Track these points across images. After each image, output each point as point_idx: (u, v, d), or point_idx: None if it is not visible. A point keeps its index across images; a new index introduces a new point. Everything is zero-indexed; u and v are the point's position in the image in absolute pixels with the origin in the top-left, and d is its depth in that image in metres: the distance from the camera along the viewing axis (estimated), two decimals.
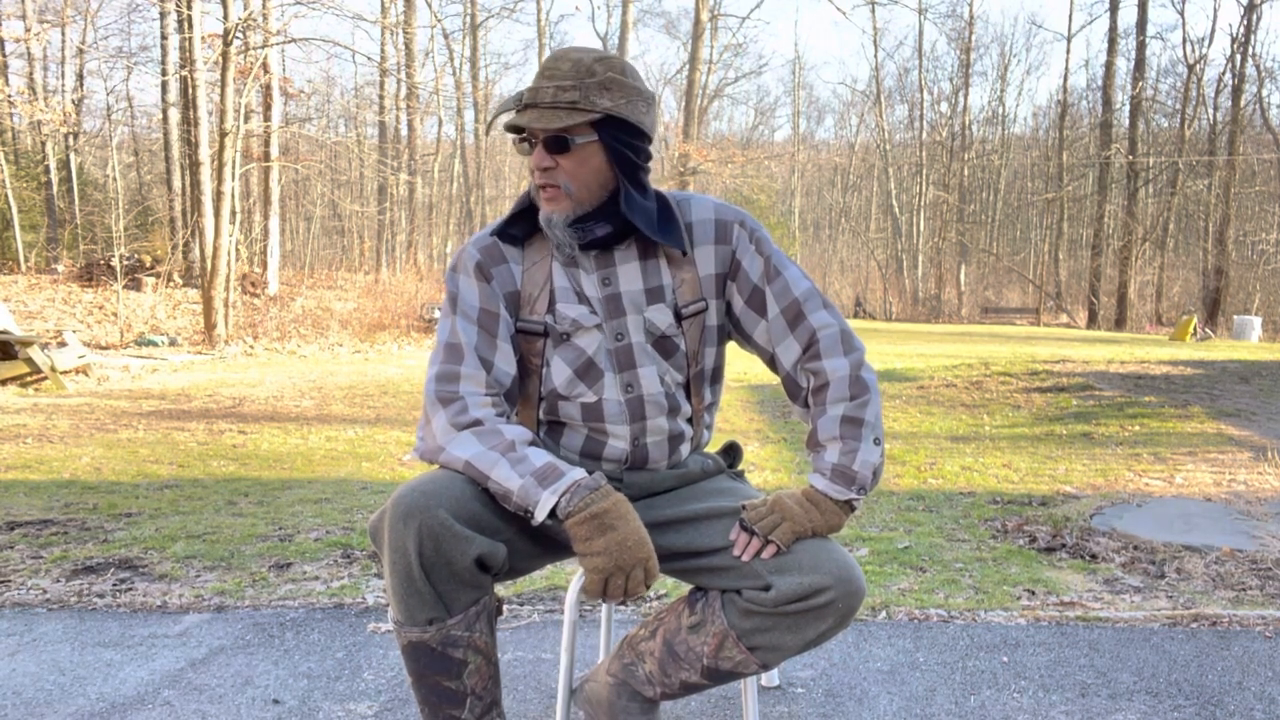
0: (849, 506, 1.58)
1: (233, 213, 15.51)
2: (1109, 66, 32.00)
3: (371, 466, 5.30)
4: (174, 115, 22.94)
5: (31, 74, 27.00)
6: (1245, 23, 28.98)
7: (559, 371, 1.65)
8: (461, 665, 1.52)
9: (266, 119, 18.99)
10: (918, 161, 40.60)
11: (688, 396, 1.72)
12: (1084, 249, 36.24)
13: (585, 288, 1.64)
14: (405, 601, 1.47)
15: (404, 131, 30.63)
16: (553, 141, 1.55)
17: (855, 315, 33.21)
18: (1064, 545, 3.48)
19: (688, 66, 31.65)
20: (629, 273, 1.65)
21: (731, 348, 1.82)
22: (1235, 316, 22.62)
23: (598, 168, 1.58)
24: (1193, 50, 34.52)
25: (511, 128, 1.57)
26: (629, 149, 1.58)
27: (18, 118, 25.20)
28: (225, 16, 15.39)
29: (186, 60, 18.25)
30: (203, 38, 16.45)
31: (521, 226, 1.66)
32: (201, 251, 15.86)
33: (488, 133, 1.69)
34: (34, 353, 8.85)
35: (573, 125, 1.53)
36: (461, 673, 1.53)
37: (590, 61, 1.54)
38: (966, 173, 40.38)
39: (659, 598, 2.82)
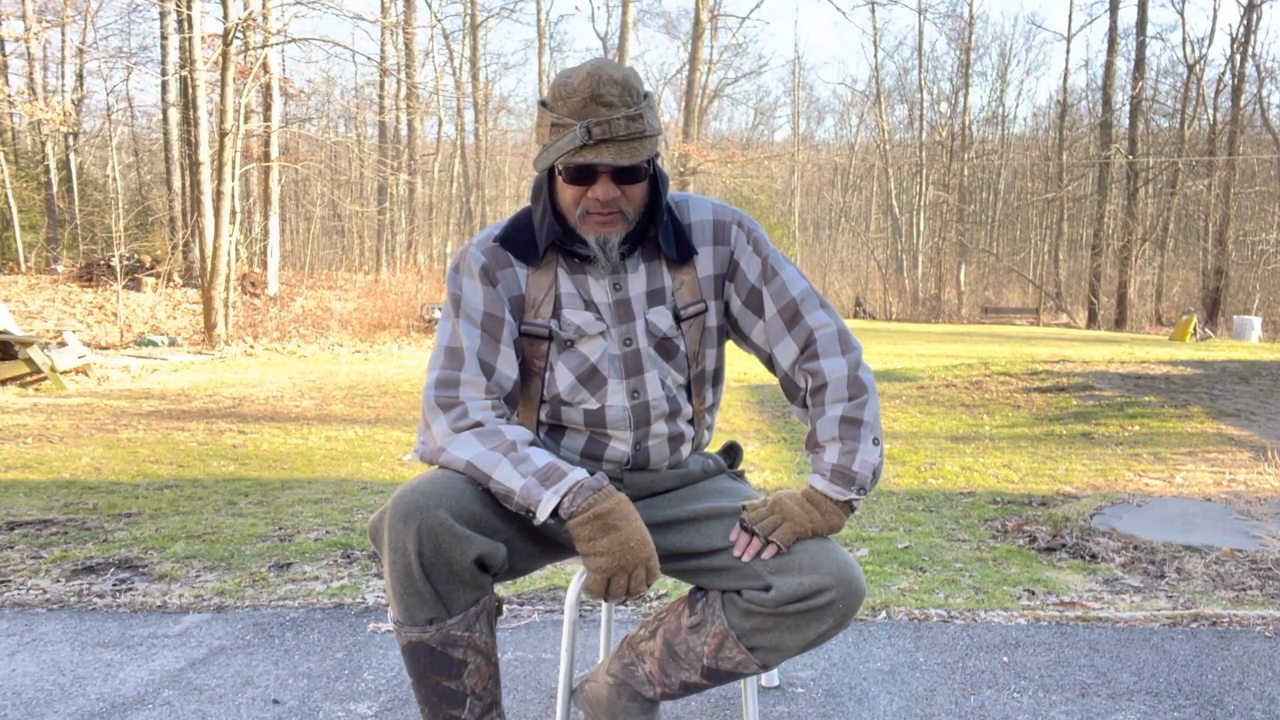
0: (849, 507, 1.58)
1: (233, 213, 15.50)
2: (1109, 66, 32.01)
3: (371, 466, 5.30)
4: (174, 115, 22.93)
5: (31, 74, 27.01)
6: (1245, 23, 29.01)
7: (562, 377, 1.65)
8: (461, 665, 1.52)
9: (266, 119, 18.99)
10: (918, 161, 40.60)
11: (689, 398, 1.73)
12: (1084, 249, 36.24)
13: (594, 294, 1.63)
14: (405, 601, 1.47)
15: (404, 131, 30.63)
16: (623, 172, 1.52)
17: (855, 315, 33.21)
18: (1064, 545, 3.48)
19: (688, 66, 31.64)
20: (638, 276, 1.65)
21: (731, 348, 1.82)
22: (1235, 316, 22.63)
23: (645, 188, 1.59)
24: (1193, 50, 34.54)
25: (579, 164, 1.49)
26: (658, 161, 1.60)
27: (18, 118, 25.22)
28: (225, 16, 15.39)
29: (186, 60, 18.25)
30: (203, 38, 16.45)
31: (523, 239, 1.64)
32: (201, 251, 15.86)
33: (551, 170, 1.58)
34: (34, 353, 8.85)
35: (647, 158, 1.51)
36: (461, 673, 1.53)
37: (629, 80, 1.50)
38: (966, 173, 40.38)
39: (659, 598, 2.82)
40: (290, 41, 18.55)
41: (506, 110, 41.14)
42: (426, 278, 21.16)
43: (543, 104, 1.55)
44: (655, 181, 1.61)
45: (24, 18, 24.69)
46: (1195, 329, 19.44)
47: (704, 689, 1.68)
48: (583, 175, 1.52)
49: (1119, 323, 29.86)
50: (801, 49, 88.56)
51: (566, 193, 1.56)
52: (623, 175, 1.53)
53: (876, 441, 1.60)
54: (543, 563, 1.70)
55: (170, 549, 3.41)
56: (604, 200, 1.53)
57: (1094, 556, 3.33)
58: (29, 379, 8.85)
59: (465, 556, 1.45)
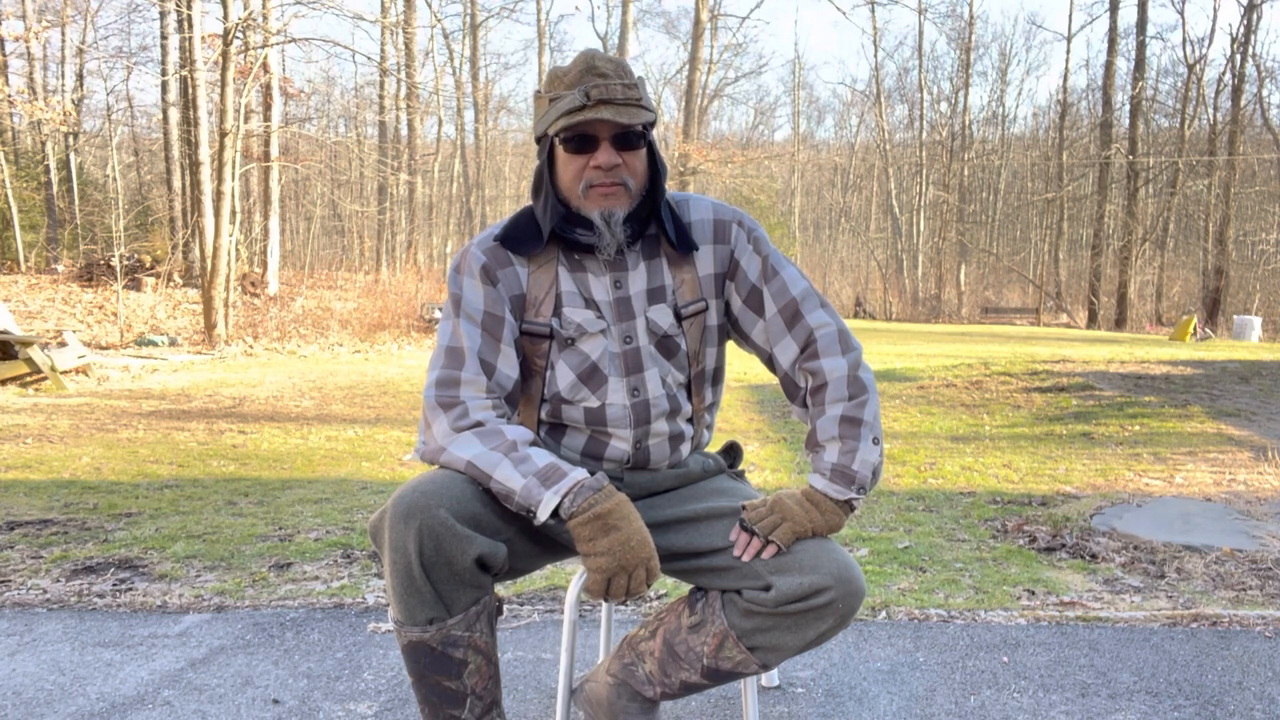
0: (849, 506, 1.58)
1: (233, 213, 15.50)
2: (1109, 66, 32.01)
3: (371, 466, 5.30)
4: (174, 115, 22.94)
5: (31, 74, 27.01)
6: (1245, 23, 29.00)
7: (563, 375, 1.65)
8: (462, 665, 1.52)
9: (266, 119, 18.99)
10: (918, 161, 40.60)
11: (689, 397, 1.73)
12: (1084, 249, 36.24)
13: (595, 291, 1.64)
14: (405, 601, 1.47)
15: (404, 131, 30.63)
16: (622, 138, 1.55)
17: (855, 315, 33.21)
18: (1064, 545, 3.48)
19: (688, 66, 31.65)
20: (638, 274, 1.65)
21: (731, 348, 1.82)
22: (1235, 316, 22.61)
23: (645, 168, 1.61)
24: (1193, 50, 34.60)
25: (577, 126, 1.53)
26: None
27: (18, 118, 25.22)
28: (225, 16, 15.39)
29: (186, 60, 18.25)
30: (203, 38, 16.45)
31: (524, 235, 1.65)
32: (201, 251, 15.86)
33: (548, 134, 1.58)
34: (34, 353, 8.85)
35: (645, 122, 1.55)
36: (462, 673, 1.53)
37: (622, 61, 1.56)
38: (966, 173, 40.38)
39: (659, 598, 2.82)
40: (290, 41, 18.55)
41: (506, 110, 41.17)
42: (426, 278, 21.14)
43: (538, 93, 1.59)
44: (654, 165, 1.63)
45: (24, 18, 24.69)
46: (1195, 329, 19.44)
47: (704, 689, 1.68)
48: (584, 144, 1.54)
49: (1119, 323, 29.85)
50: (801, 49, 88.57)
51: (568, 168, 1.57)
52: (622, 142, 1.55)
53: (876, 441, 1.60)
54: (543, 563, 1.70)
55: (170, 549, 3.41)
56: (606, 167, 1.55)
57: (1094, 556, 3.33)
58: (29, 379, 8.85)
59: (466, 556, 1.45)
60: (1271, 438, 5.92)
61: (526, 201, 1.72)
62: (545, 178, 1.62)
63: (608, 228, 1.58)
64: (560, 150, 1.57)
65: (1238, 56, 29.20)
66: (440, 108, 31.25)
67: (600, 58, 1.54)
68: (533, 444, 1.54)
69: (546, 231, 1.61)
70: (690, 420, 1.74)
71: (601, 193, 1.57)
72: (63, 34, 25.33)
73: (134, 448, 5.83)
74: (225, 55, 15.17)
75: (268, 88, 19.09)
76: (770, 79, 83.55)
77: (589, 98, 1.50)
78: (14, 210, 22.34)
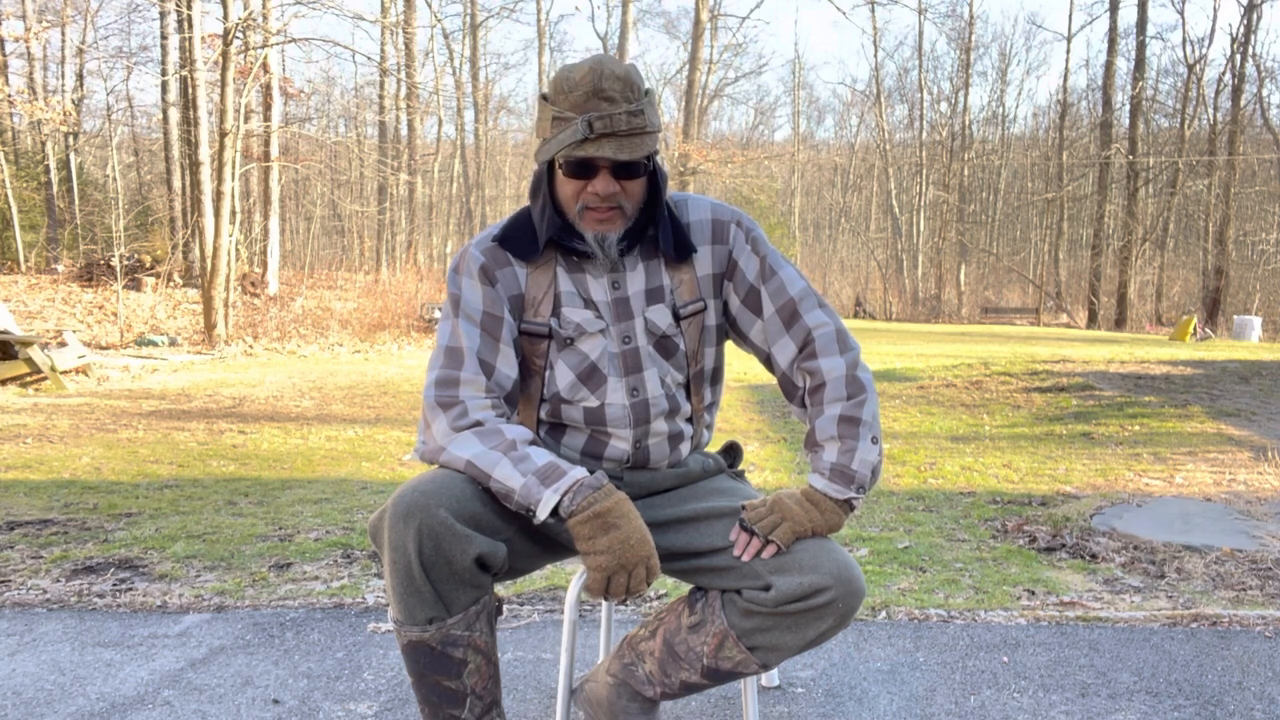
0: (848, 506, 1.58)
1: (233, 213, 15.50)
2: (1109, 66, 32.01)
3: (371, 466, 5.30)
4: (174, 115, 22.94)
5: (31, 74, 27.01)
6: (1245, 23, 29.00)
7: (562, 375, 1.65)
8: (461, 665, 1.52)
9: (266, 119, 18.99)
10: (918, 161, 40.59)
11: (688, 396, 1.73)
12: (1084, 249, 36.24)
13: (593, 292, 1.64)
14: (405, 601, 1.47)
15: (404, 131, 30.63)
16: (623, 168, 1.53)
17: (855, 315, 33.20)
18: (1064, 545, 3.48)
19: (688, 66, 31.66)
20: (636, 275, 1.65)
21: (731, 348, 1.82)
22: (1235, 316, 22.61)
23: (644, 184, 1.60)
24: (1193, 50, 34.60)
25: (580, 158, 1.51)
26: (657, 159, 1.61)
27: (18, 118, 25.22)
28: (225, 16, 15.39)
29: (186, 60, 18.26)
30: (203, 38, 16.46)
31: (522, 238, 1.64)
32: (201, 251, 15.86)
33: (551, 165, 1.59)
34: (34, 353, 8.85)
35: (648, 154, 1.52)
36: (461, 672, 1.53)
37: (630, 76, 1.51)
38: (966, 173, 40.37)
39: (659, 598, 2.83)
40: (290, 41, 18.55)
41: (506, 110, 41.18)
42: (426, 278, 21.13)
43: (543, 98, 1.56)
44: (655, 178, 1.62)
45: (24, 18, 24.69)
46: (1195, 329, 19.44)
47: (704, 689, 1.68)
48: (583, 170, 1.53)
49: (1119, 323, 29.85)
50: (801, 49, 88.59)
51: (566, 187, 1.57)
52: (622, 170, 1.53)
53: (875, 440, 1.60)
54: (543, 562, 1.70)
55: (170, 549, 3.41)
56: (603, 195, 1.53)
57: (1094, 556, 3.33)
58: (29, 379, 8.85)
59: (465, 556, 1.45)
60: (1271, 438, 5.92)
61: (526, 201, 1.72)
62: (544, 186, 1.62)
63: (601, 248, 1.59)
64: (559, 170, 1.56)
65: (1238, 56, 29.21)
66: (440, 108, 31.27)
67: (608, 76, 1.48)
68: (532, 443, 1.54)
69: (543, 240, 1.61)
70: (690, 420, 1.74)
71: (597, 217, 1.56)
72: (63, 34, 25.35)
73: (134, 448, 5.83)
74: (225, 55, 15.17)
75: (268, 88, 19.09)
76: (770, 79, 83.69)
77: (592, 129, 1.47)
78: (14, 210, 22.33)
